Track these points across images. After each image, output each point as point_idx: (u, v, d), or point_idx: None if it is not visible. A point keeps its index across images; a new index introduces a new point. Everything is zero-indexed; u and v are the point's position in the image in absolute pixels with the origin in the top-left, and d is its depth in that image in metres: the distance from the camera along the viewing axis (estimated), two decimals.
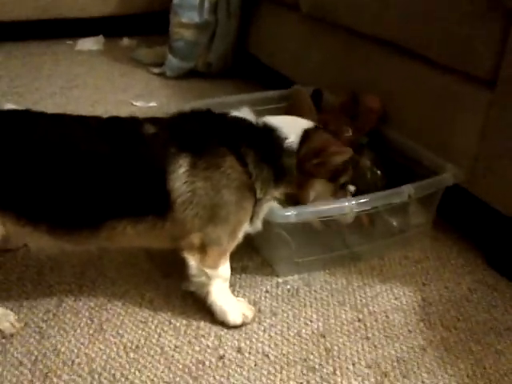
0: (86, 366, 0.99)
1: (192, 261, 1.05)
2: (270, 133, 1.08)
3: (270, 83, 2.18)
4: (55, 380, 0.96)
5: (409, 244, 1.36)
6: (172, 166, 0.99)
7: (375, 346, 1.06)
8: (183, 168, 0.99)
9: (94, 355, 1.01)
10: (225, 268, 1.08)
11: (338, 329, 1.10)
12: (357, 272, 1.27)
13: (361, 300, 1.18)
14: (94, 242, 1.07)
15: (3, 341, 1.03)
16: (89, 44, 3.08)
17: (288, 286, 1.22)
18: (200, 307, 1.13)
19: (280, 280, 1.24)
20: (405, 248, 1.35)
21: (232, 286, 1.19)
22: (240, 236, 1.09)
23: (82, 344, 1.03)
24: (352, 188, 1.22)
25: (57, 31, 3.13)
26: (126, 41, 3.13)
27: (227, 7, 2.34)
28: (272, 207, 1.13)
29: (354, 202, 1.15)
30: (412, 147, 1.41)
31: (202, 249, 1.04)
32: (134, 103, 2.28)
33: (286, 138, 1.08)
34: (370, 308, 1.16)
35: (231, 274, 1.11)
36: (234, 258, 1.27)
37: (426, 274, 1.27)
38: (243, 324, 1.09)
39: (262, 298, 1.18)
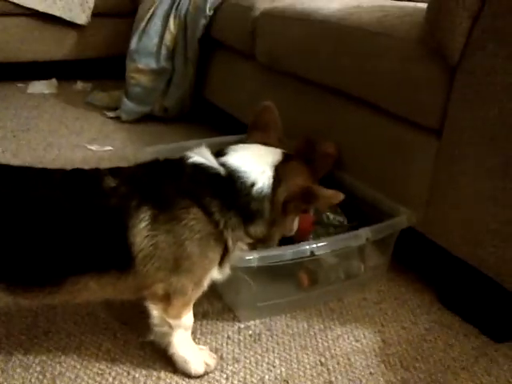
0: None
1: (155, 310, 1.02)
2: (235, 181, 1.03)
3: (226, 129, 2.22)
4: None
5: (367, 286, 1.39)
6: (133, 221, 0.97)
7: None
8: (144, 222, 0.97)
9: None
10: (188, 317, 1.06)
11: (301, 373, 1.09)
12: (317, 315, 1.28)
13: (322, 343, 1.18)
14: (56, 298, 1.02)
15: None
16: (41, 87, 3.05)
17: (250, 332, 1.20)
18: (160, 356, 1.10)
19: (242, 325, 1.22)
20: (363, 290, 1.38)
21: (193, 332, 1.16)
22: (205, 284, 1.07)
23: None
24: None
25: (7, 74, 3.08)
26: (79, 84, 3.12)
27: (184, 54, 2.40)
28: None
29: (314, 245, 1.17)
30: (366, 191, 1.46)
31: (166, 298, 1.02)
32: (89, 147, 2.25)
33: (253, 184, 1.02)
34: (332, 351, 1.16)
35: (193, 319, 1.09)
36: (195, 303, 1.25)
37: (384, 315, 1.29)
38: (205, 373, 1.07)
39: (224, 345, 1.16)
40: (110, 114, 2.64)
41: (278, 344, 1.17)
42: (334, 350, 1.17)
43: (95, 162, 2.10)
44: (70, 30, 3.05)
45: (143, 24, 2.42)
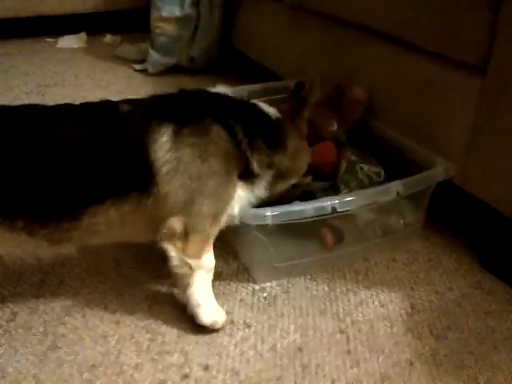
0: None
1: (173, 251, 0.97)
2: (255, 107, 1.11)
3: (256, 78, 2.07)
4: None
5: (397, 245, 1.26)
6: (153, 136, 0.94)
7: (357, 361, 0.96)
8: (166, 136, 0.95)
9: (43, 377, 0.91)
10: (208, 257, 1.00)
11: (317, 341, 1.00)
12: (340, 277, 1.17)
13: (343, 308, 1.08)
14: (74, 236, 0.96)
15: None
16: (70, 41, 2.98)
17: (265, 294, 1.12)
18: (167, 319, 1.03)
19: (257, 287, 1.14)
20: (393, 250, 1.25)
21: None
22: (224, 219, 1.01)
23: (31, 364, 0.93)
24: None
25: (38, 29, 3.03)
26: (108, 38, 3.03)
27: (209, 0, 2.24)
28: (246, 208, 1.04)
29: (337, 201, 1.05)
30: (399, 141, 1.31)
31: (184, 236, 0.96)
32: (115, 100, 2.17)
33: (269, 113, 1.11)
34: (354, 317, 1.06)
35: None
36: None
37: (415, 278, 1.17)
38: (211, 327, 1.00)
39: (236, 308, 1.08)
40: (137, 67, 2.55)
41: (294, 308, 1.08)
42: (356, 315, 1.06)
43: None
44: None
45: None
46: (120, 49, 2.79)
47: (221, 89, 1.13)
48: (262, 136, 1.06)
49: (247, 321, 1.04)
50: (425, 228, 1.31)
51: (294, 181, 1.14)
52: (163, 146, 0.94)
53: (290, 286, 1.14)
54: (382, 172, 1.33)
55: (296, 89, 1.61)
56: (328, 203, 1.04)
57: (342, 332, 1.02)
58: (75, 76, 2.50)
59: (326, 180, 1.35)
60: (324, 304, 1.09)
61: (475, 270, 1.19)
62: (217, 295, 1.10)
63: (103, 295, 1.10)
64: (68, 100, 2.14)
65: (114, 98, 2.18)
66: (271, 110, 1.13)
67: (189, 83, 2.38)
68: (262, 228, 1.05)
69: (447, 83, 1.19)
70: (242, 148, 1.02)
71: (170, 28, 2.34)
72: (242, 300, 1.10)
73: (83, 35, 3.05)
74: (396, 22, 1.28)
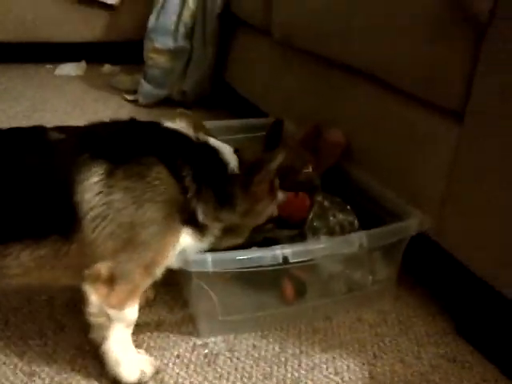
0: None
1: (94, 295, 0.85)
2: (213, 153, 0.95)
3: (246, 114, 2.00)
4: None
5: (364, 304, 1.13)
6: (82, 174, 0.82)
7: None
8: (97, 176, 0.82)
9: None
10: (131, 310, 0.88)
11: None
12: (295, 336, 1.04)
13: (292, 373, 0.95)
14: None
15: None
16: (69, 69, 2.96)
17: (206, 351, 0.99)
18: (89, 374, 0.91)
19: (198, 342, 1.01)
20: (359, 308, 1.12)
21: (137, 346, 0.97)
22: (159, 270, 0.89)
23: None
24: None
25: (39, 55, 3.03)
26: (107, 67, 3.01)
27: (203, 32, 2.21)
28: (186, 251, 0.93)
29: (289, 250, 0.94)
30: (375, 188, 1.21)
31: (109, 282, 0.84)
32: None
33: (228, 163, 0.95)
34: None
35: (142, 329, 0.96)
36: (152, 309, 1.07)
37: (379, 343, 1.03)
38: (139, 382, 0.88)
39: (170, 365, 0.95)
40: (129, 97, 2.51)
41: (236, 370, 0.95)
42: (305, 383, 0.93)
43: None
44: (100, 12, 2.95)
45: (161, 0, 2.25)
46: (115, 79, 2.76)
47: (181, 124, 0.96)
48: (212, 187, 0.92)
49: (179, 381, 0.92)
50: (397, 285, 1.18)
51: (244, 238, 1.01)
52: (92, 187, 0.82)
53: (236, 342, 1.01)
54: (356, 222, 1.21)
55: (273, 127, 1.54)
56: (279, 252, 0.93)
57: None
58: (66, 102, 2.46)
59: (295, 228, 1.24)
60: (270, 367, 0.96)
61: (449, 338, 1.05)
62: (151, 349, 0.98)
63: (24, 339, 0.98)
64: (51, 125, 2.12)
65: None
66: (232, 160, 0.96)
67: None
68: (204, 275, 0.94)
69: (425, 128, 1.09)
70: (187, 195, 0.88)
71: (162, 60, 2.30)
72: (178, 356, 0.97)
73: (83, 64, 3.04)
74: (374, 60, 1.20)
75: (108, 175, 0.83)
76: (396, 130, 1.17)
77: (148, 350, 0.98)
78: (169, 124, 0.96)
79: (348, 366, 0.97)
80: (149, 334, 1.02)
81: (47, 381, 0.90)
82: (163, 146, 0.91)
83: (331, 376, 0.95)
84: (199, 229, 0.92)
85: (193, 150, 0.93)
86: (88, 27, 2.97)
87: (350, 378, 0.95)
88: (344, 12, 1.29)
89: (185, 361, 0.96)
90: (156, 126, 0.96)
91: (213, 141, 0.98)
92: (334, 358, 0.99)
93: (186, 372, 0.94)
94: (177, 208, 0.87)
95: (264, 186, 0.98)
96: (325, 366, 0.97)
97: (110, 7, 2.94)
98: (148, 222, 0.84)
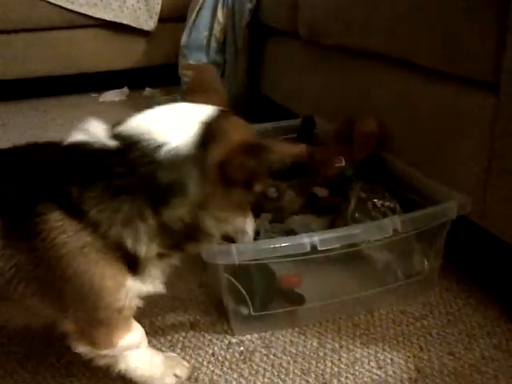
0: None
1: (81, 348, 0.78)
2: (129, 149, 0.71)
3: None
4: None
5: (409, 296, 1.07)
6: None
7: None
8: None
9: None
10: (127, 339, 0.79)
11: None
12: (334, 331, 0.99)
13: (332, 368, 0.90)
14: None
15: None
16: (112, 95, 3.08)
17: (241, 348, 0.96)
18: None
19: (233, 340, 0.98)
20: (403, 301, 1.06)
21: (172, 346, 0.96)
22: (127, 308, 0.76)
23: None
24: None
25: (84, 85, 3.18)
26: (147, 91, 3.11)
27: (234, 44, 2.23)
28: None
29: (316, 238, 0.90)
30: (411, 174, 1.15)
31: (85, 333, 0.77)
32: None
33: (160, 146, 0.70)
34: (342, 379, 0.88)
35: (177, 330, 0.96)
36: (187, 310, 1.06)
37: (426, 336, 0.97)
38: None
39: (205, 363, 0.93)
40: None
41: (272, 366, 0.91)
42: (346, 378, 0.88)
43: None
44: (137, 38, 3.06)
45: (193, 17, 2.31)
46: (155, 100, 2.83)
47: (90, 129, 0.77)
48: (136, 197, 0.70)
49: (214, 379, 0.89)
50: (443, 277, 1.11)
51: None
52: None
53: (273, 339, 0.98)
54: (398, 207, 1.15)
55: (304, 124, 1.52)
56: (306, 240, 0.89)
57: None
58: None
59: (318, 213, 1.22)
60: (309, 363, 0.92)
61: (502, 327, 0.97)
62: (186, 348, 0.97)
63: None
64: None
65: None
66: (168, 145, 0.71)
67: None
68: (232, 268, 0.92)
69: (459, 106, 1.03)
70: (100, 230, 0.69)
71: None
72: (213, 354, 0.95)
73: (125, 90, 3.15)
74: (402, 45, 1.15)
75: (6, 236, 0.71)
76: (429, 112, 1.12)
77: (183, 350, 0.96)
78: (72, 138, 0.76)
79: (392, 360, 0.91)
80: (184, 334, 1.00)
81: None
82: (56, 178, 0.72)
83: (374, 370, 0.89)
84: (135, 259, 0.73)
85: (97, 163, 0.71)
86: (128, 54, 3.09)
87: (394, 371, 0.89)
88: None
89: (220, 358, 0.94)
90: (53, 150, 0.76)
91: (141, 127, 0.73)
92: (376, 351, 0.93)
93: (221, 369, 0.91)
94: (94, 252, 0.70)
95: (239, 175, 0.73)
96: (366, 360, 0.91)
97: (146, 33, 3.05)
98: (66, 280, 0.71)
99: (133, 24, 3.00)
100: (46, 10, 2.82)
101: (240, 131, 0.76)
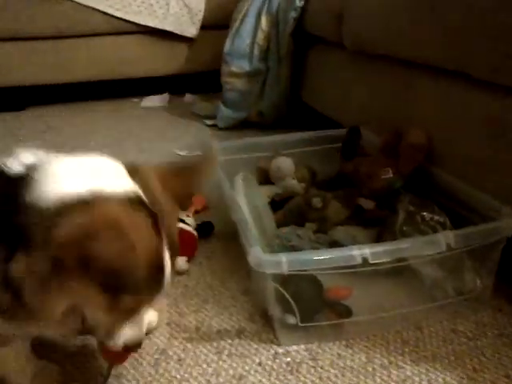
0: None
1: None
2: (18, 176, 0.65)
3: None
4: None
5: (460, 314, 1.04)
6: None
7: None
8: None
9: None
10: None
11: None
12: (382, 346, 0.97)
13: None
14: None
15: None
16: (154, 101, 3.14)
17: (288, 359, 0.95)
18: (168, 375, 0.91)
19: (280, 350, 0.98)
20: (454, 319, 1.03)
21: (219, 353, 0.96)
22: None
23: None
24: None
25: (125, 91, 3.25)
26: (188, 97, 3.15)
27: (277, 52, 2.24)
28: (257, 250, 0.91)
29: (367, 251, 0.89)
30: (462, 189, 1.12)
31: None
32: (178, 152, 2.20)
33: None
34: None
35: (223, 337, 0.98)
36: (232, 317, 1.06)
37: (479, 357, 0.94)
38: None
39: (252, 372, 0.92)
40: (208, 122, 2.59)
41: (320, 379, 0.90)
42: None
43: None
44: (180, 45, 3.10)
45: (236, 25, 2.33)
46: (196, 106, 2.87)
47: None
48: None
49: None
50: (496, 296, 1.07)
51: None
52: None
53: (319, 351, 0.97)
54: (448, 221, 1.13)
55: (349, 134, 1.50)
56: (357, 252, 0.88)
57: None
58: (149, 131, 2.59)
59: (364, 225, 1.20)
60: (357, 377, 0.90)
61: None
62: (232, 356, 0.96)
63: None
64: (135, 150, 2.23)
65: (178, 151, 2.23)
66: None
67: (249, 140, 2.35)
68: (280, 277, 0.91)
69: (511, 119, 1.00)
70: None
71: (239, 83, 2.36)
72: (260, 364, 0.94)
73: (166, 95, 3.20)
74: (448, 54, 1.14)
75: None
76: (480, 124, 1.09)
77: (230, 357, 0.96)
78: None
79: (444, 380, 0.89)
80: (230, 341, 1.00)
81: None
82: None
83: None
84: None
85: None
86: (170, 61, 3.14)
87: None
88: (414, 7, 1.25)
89: (267, 368, 0.93)
90: None
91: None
92: (427, 370, 0.91)
93: (269, 379, 0.90)
94: None
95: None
96: (417, 379, 0.89)
97: (189, 40, 3.09)
98: None
99: (176, 31, 3.04)
100: (92, 16, 2.90)
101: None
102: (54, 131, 2.62)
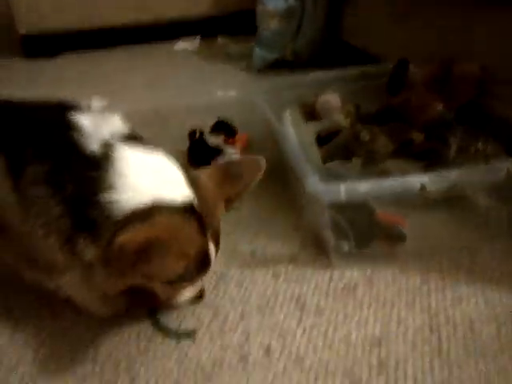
0: (91, 352, 0.86)
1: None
2: (96, 161, 0.72)
3: None
4: (55, 365, 0.84)
5: None
6: None
7: (450, 364, 0.79)
8: None
9: (102, 341, 0.88)
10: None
11: (401, 337, 0.85)
12: (437, 269, 1.00)
13: (437, 305, 0.91)
14: None
15: (17, 316, 0.95)
16: (186, 44, 3.10)
17: (344, 282, 0.99)
18: (232, 298, 0.96)
19: (335, 274, 1.01)
20: (508, 245, 1.04)
21: (275, 277, 1.00)
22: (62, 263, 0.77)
23: (91, 330, 0.91)
24: None
25: (157, 35, 3.21)
26: (220, 40, 3.10)
27: None
28: (315, 180, 0.93)
29: (426, 178, 0.90)
30: None
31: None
32: (219, 93, 2.20)
33: (112, 186, 0.70)
34: (449, 314, 0.89)
35: (277, 262, 1.02)
36: (284, 246, 1.09)
37: None
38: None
39: (309, 293, 0.96)
40: (243, 64, 2.56)
41: (376, 299, 0.94)
42: (453, 313, 0.89)
43: (219, 108, 2.04)
44: None
45: None
46: (229, 49, 2.83)
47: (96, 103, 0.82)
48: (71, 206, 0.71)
49: (320, 308, 0.93)
50: None
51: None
52: None
53: (374, 275, 1.00)
54: (503, 153, 1.12)
55: (397, 68, 1.47)
56: (415, 179, 0.89)
57: (432, 330, 0.85)
58: (182, 75, 2.58)
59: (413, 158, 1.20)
60: (413, 298, 0.93)
61: None
62: (288, 280, 1.00)
63: None
64: (171, 94, 2.24)
65: (214, 92, 2.22)
66: (123, 189, 0.70)
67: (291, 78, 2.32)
68: (336, 205, 0.93)
69: None
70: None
71: (274, 22, 2.30)
72: (316, 286, 0.98)
73: (198, 39, 3.16)
74: None
75: (10, 176, 0.74)
76: None
77: (285, 281, 1.00)
78: (75, 115, 0.76)
79: (500, 299, 0.91)
80: (285, 266, 1.04)
81: None
82: (22, 137, 0.76)
83: (481, 307, 0.90)
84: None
85: (65, 154, 0.73)
86: (202, 1, 3.08)
87: (502, 310, 0.89)
88: None
89: (323, 290, 0.97)
90: (50, 114, 0.79)
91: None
92: (483, 290, 0.93)
93: (326, 300, 0.94)
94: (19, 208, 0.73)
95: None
96: (473, 299, 0.92)
97: None
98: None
99: None
100: None
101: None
102: (87, 77, 2.64)
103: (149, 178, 0.71)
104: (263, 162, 0.83)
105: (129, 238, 0.64)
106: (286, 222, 1.18)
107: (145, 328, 0.90)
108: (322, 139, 1.43)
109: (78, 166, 0.71)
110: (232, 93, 2.16)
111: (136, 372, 0.81)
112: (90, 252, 0.70)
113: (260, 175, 0.82)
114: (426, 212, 1.06)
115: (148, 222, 0.67)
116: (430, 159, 1.23)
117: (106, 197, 0.68)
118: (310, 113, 1.51)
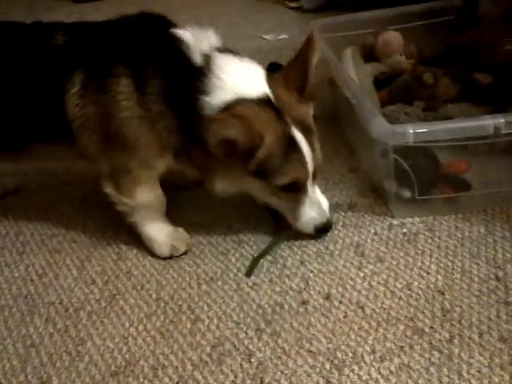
0: (154, 292, 0.89)
1: (108, 188, 0.94)
2: (200, 70, 0.85)
3: None
4: (121, 302, 0.88)
5: None
6: (68, 85, 0.87)
7: None
8: (75, 87, 0.87)
9: (164, 282, 0.91)
10: (145, 196, 0.94)
11: (465, 286, 0.83)
12: (502, 220, 0.96)
13: (503, 254, 0.88)
14: (22, 160, 1.04)
15: (82, 258, 0.99)
16: None
17: (404, 230, 0.97)
18: (290, 244, 0.96)
19: (395, 222, 0.99)
20: None
21: (333, 223, 0.99)
22: (159, 167, 0.93)
23: (155, 270, 0.94)
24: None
25: None
26: None
27: None
28: (380, 121, 0.89)
29: (502, 120, 0.84)
30: None
31: (113, 177, 0.93)
32: (264, 36, 2.13)
33: (214, 94, 0.84)
34: None
35: (335, 209, 1.00)
36: (342, 193, 1.07)
37: None
38: (172, 256, 0.96)
39: (369, 241, 0.95)
40: (292, 5, 2.46)
41: (438, 248, 0.91)
42: None
43: (268, 51, 1.98)
44: None
45: None
46: None
47: (193, 33, 0.87)
48: (177, 110, 0.85)
49: (380, 255, 0.91)
50: None
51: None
52: (72, 99, 0.87)
53: (435, 223, 0.97)
54: None
55: (465, 3, 1.37)
56: (489, 122, 0.84)
57: (498, 280, 0.83)
58: (229, 16, 2.51)
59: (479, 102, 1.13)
60: (477, 247, 0.90)
61: None
62: (347, 226, 0.99)
63: (228, 215, 1.06)
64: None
65: (264, 35, 2.15)
66: (227, 94, 0.84)
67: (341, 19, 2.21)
68: (402, 149, 0.89)
69: None
70: (151, 113, 0.85)
71: None
72: (376, 233, 0.97)
73: None
74: None
75: (83, 87, 0.86)
76: None
77: (344, 227, 0.99)
78: (175, 31, 0.88)
79: None
80: (343, 213, 1.02)
81: (254, 247, 0.96)
82: (138, 52, 0.87)
83: None
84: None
85: (172, 58, 0.86)
86: None
87: None
88: None
89: (383, 238, 0.95)
90: (155, 30, 0.91)
91: (223, 61, 0.86)
92: None
93: (386, 247, 0.93)
94: (146, 124, 0.86)
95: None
96: None
97: None
98: (116, 133, 0.86)
99: None
100: None
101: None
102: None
103: (237, 79, 0.84)
104: (312, 37, 0.89)
105: (217, 120, 0.80)
106: (343, 169, 1.16)
107: (205, 272, 0.92)
108: (380, 82, 1.37)
109: (188, 77, 0.84)
110: (283, 35, 2.09)
111: (197, 314, 0.84)
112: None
113: (313, 50, 0.88)
114: (491, 159, 1.00)
115: (230, 110, 0.81)
116: (499, 103, 1.15)
117: (207, 99, 0.82)
118: (370, 54, 1.44)
